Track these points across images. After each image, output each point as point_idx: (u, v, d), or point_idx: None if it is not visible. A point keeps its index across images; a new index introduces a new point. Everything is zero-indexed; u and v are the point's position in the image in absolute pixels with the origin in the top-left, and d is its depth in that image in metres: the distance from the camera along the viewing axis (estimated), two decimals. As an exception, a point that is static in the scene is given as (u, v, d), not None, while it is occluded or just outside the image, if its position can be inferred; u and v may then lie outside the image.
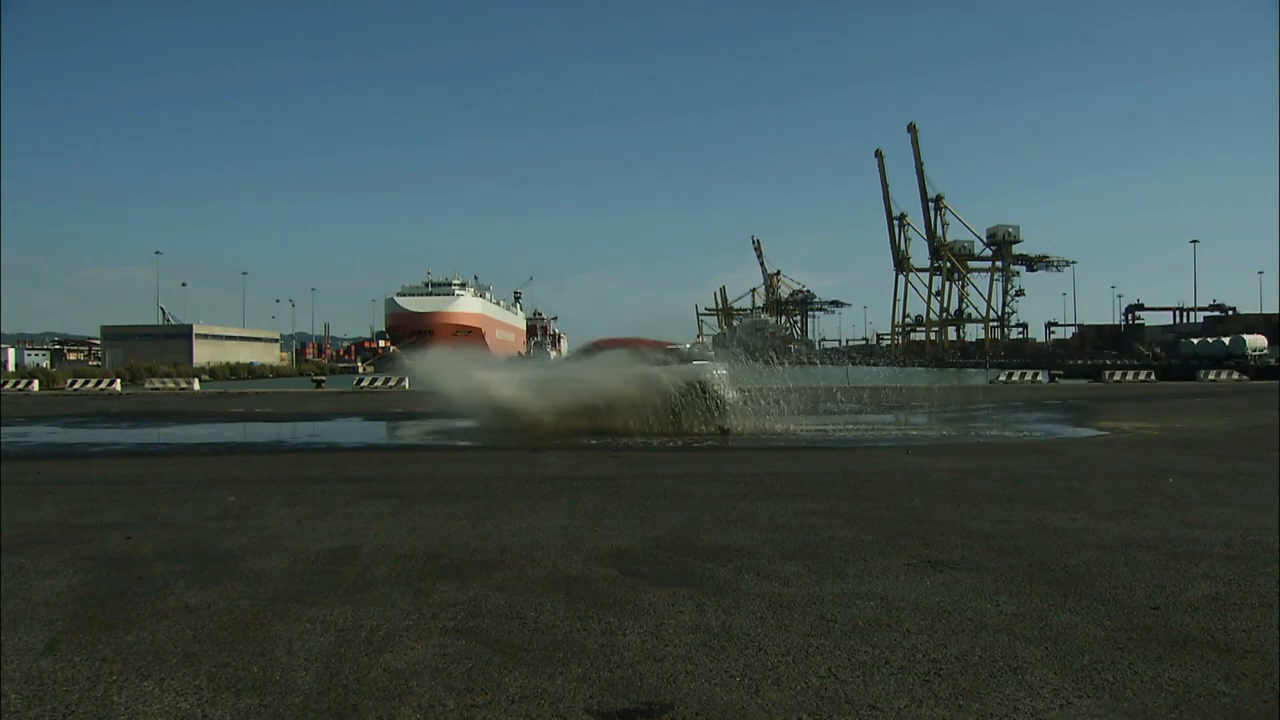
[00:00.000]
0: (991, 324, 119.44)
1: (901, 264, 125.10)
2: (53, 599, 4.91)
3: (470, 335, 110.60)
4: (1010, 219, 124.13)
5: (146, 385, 46.89)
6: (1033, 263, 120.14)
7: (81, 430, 19.01)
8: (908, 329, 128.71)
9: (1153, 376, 47.68)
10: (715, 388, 17.09)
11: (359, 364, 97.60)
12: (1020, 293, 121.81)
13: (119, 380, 46.74)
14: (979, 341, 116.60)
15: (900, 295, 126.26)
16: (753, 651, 3.94)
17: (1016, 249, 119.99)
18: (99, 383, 45.58)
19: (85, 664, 3.83)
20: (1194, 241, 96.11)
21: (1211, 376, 46.24)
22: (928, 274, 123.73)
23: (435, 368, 21.61)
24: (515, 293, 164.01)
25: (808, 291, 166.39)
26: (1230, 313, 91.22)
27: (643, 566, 5.62)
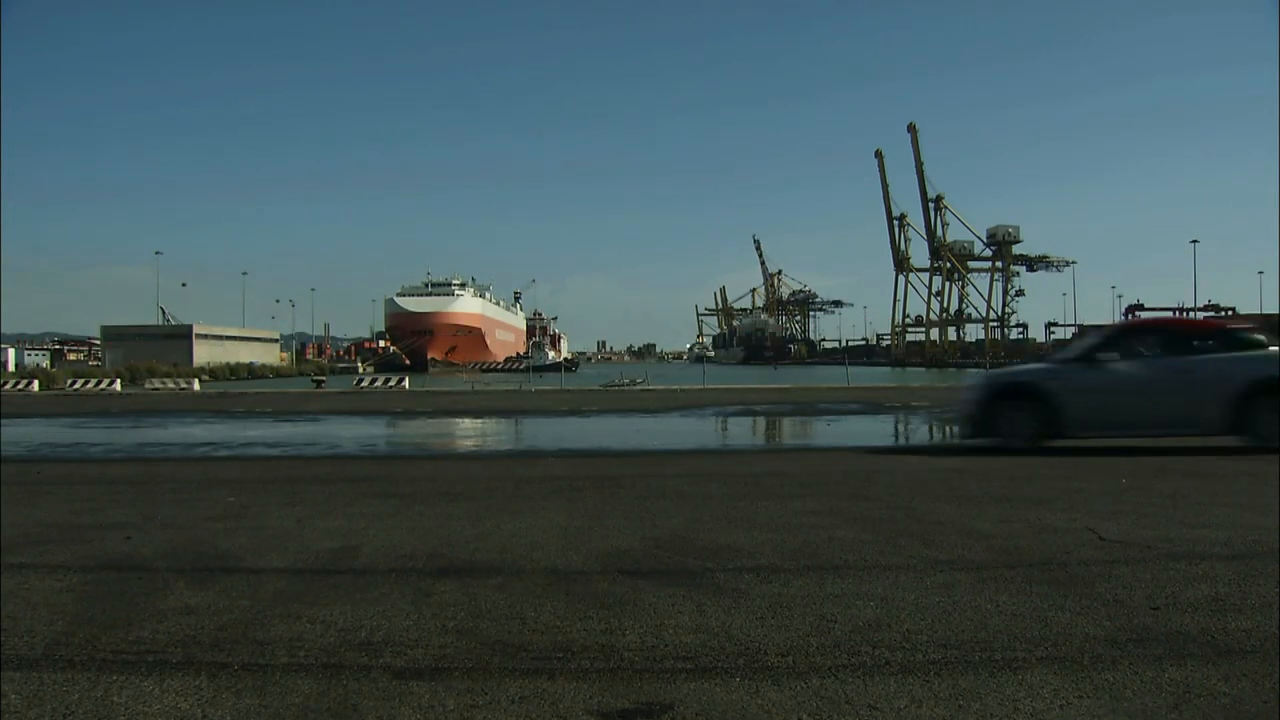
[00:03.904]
0: (991, 324, 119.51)
1: (901, 264, 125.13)
2: (53, 599, 4.90)
3: (470, 335, 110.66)
4: (1010, 219, 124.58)
5: (146, 385, 46.89)
6: (1033, 263, 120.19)
7: (82, 430, 18.99)
8: (908, 329, 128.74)
9: (1153, 376, 47.72)
10: None
11: (359, 364, 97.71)
12: (1020, 293, 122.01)
13: (119, 380, 46.75)
14: (979, 341, 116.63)
15: (900, 295, 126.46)
16: (753, 651, 3.94)
17: (1016, 249, 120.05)
18: (99, 383, 45.58)
19: (85, 664, 3.83)
20: (1194, 241, 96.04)
21: (1211, 376, 46.28)
22: (928, 274, 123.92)
23: None
24: (515, 293, 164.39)
25: (809, 291, 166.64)
26: (1230, 313, 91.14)
27: (643, 566, 5.62)
